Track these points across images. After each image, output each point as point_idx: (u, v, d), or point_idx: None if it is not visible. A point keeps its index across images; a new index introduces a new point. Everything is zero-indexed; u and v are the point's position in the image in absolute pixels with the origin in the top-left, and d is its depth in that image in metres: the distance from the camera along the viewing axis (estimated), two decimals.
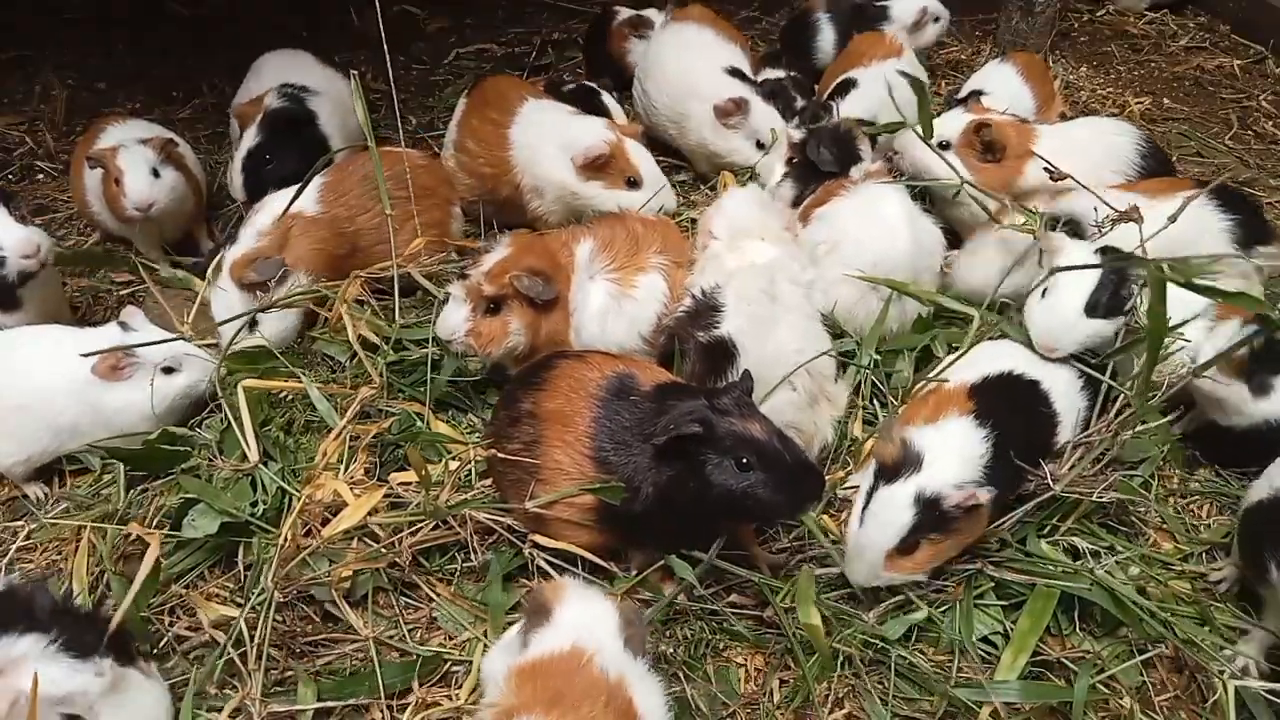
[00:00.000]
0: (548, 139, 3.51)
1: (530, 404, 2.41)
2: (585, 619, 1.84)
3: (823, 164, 3.38)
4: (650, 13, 4.65)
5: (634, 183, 3.45)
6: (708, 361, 2.58)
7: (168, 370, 2.72)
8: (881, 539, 2.27)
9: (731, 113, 3.76)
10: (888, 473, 2.30)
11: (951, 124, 3.43)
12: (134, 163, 3.33)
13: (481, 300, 2.75)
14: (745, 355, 2.55)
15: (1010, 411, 2.44)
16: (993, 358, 2.63)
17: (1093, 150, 3.42)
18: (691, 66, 3.94)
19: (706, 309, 2.66)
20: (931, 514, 2.24)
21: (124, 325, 2.73)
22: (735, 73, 3.92)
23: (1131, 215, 2.77)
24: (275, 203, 3.18)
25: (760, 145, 3.81)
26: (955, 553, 2.36)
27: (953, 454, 2.31)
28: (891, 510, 2.26)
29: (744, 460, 2.15)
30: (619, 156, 3.42)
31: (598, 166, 3.41)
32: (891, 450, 2.31)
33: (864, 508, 2.33)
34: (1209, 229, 3.06)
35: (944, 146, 3.35)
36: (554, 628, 1.82)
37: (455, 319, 2.77)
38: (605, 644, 1.79)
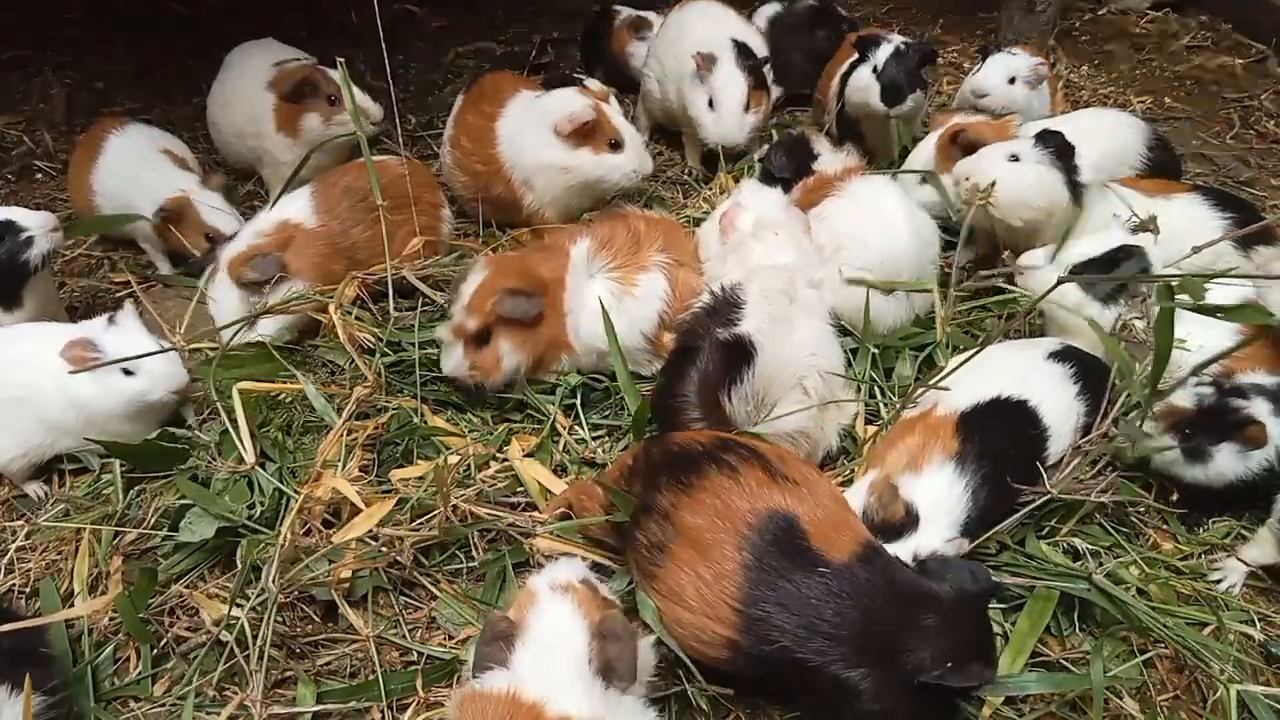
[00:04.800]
0: (527, 123, 3.50)
1: (668, 503, 2.09)
2: (537, 651, 1.68)
3: (776, 170, 3.49)
4: (650, 15, 4.66)
5: (616, 144, 3.44)
6: (724, 359, 2.55)
7: (127, 372, 2.68)
8: None
9: (700, 65, 3.81)
10: (889, 533, 2.27)
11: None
12: (222, 217, 3.45)
13: (469, 337, 2.76)
14: (762, 354, 2.53)
15: (998, 442, 2.43)
16: (980, 384, 2.57)
17: (1101, 143, 3.45)
18: (709, 32, 3.99)
19: (726, 305, 2.64)
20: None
21: (111, 319, 2.72)
22: (740, 45, 3.90)
23: (1149, 225, 2.78)
24: (279, 207, 3.22)
25: (711, 105, 3.82)
26: None
27: (942, 508, 2.32)
28: None
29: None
30: (602, 119, 3.42)
31: (584, 133, 3.40)
32: (898, 512, 2.29)
33: None
34: (1205, 230, 3.07)
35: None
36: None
37: (453, 361, 2.82)
38: (563, 682, 1.63)
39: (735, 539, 1.98)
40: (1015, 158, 3.16)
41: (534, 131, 3.46)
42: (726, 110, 3.76)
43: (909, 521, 2.28)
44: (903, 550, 2.22)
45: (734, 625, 1.95)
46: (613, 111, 3.47)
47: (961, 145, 3.38)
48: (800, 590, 1.91)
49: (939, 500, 2.33)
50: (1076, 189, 3.12)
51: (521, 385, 2.93)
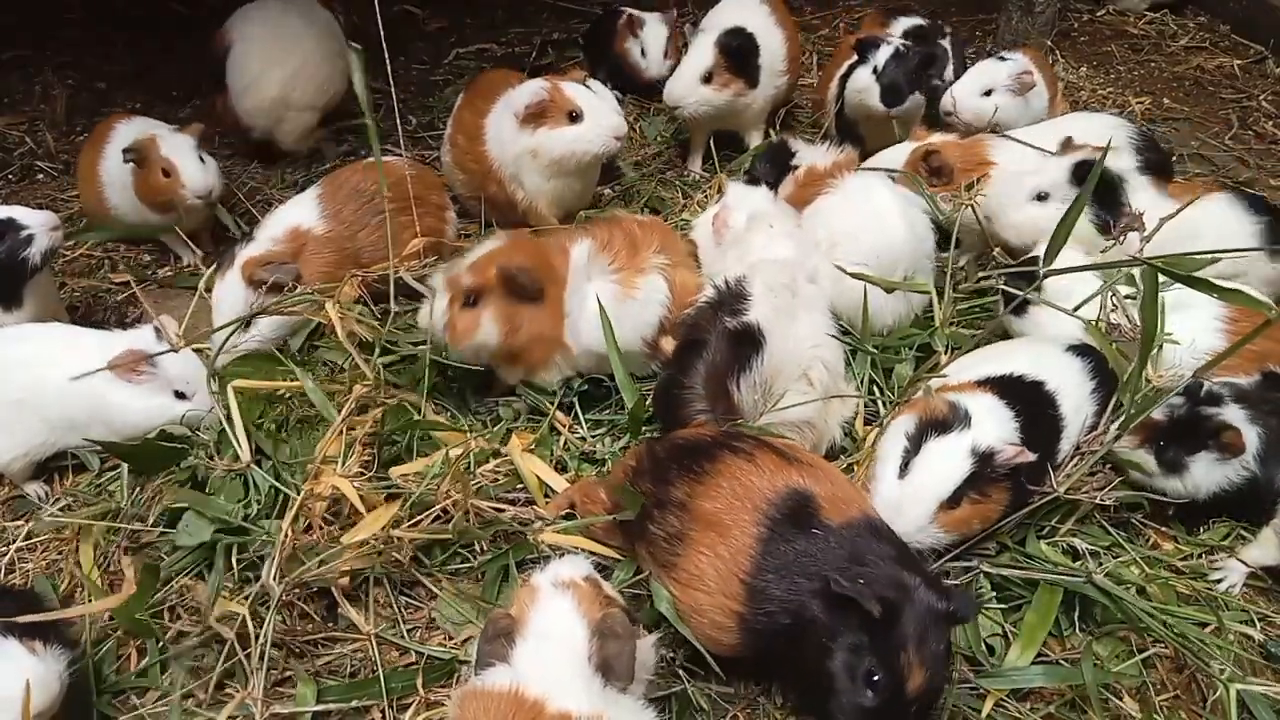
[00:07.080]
0: (504, 118, 3.53)
1: (683, 494, 2.13)
2: (538, 648, 1.67)
3: (760, 175, 3.54)
4: (647, 15, 4.67)
5: (575, 116, 3.44)
6: (732, 349, 2.55)
7: (179, 394, 2.70)
8: (935, 488, 2.27)
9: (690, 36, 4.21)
10: (939, 426, 2.32)
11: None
12: (181, 151, 3.35)
13: (460, 292, 2.73)
14: (769, 344, 2.55)
15: (1023, 405, 2.46)
16: (994, 361, 2.63)
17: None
18: (728, 17, 4.18)
19: (732, 297, 2.66)
20: (983, 468, 2.27)
21: (158, 332, 2.70)
22: (734, 30, 3.99)
23: (1133, 225, 2.78)
24: (287, 210, 3.25)
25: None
26: (982, 526, 2.36)
27: (994, 419, 2.36)
28: (948, 459, 2.28)
29: (874, 678, 1.81)
30: (556, 97, 3.44)
31: (541, 113, 3.44)
32: (941, 407, 2.33)
33: (903, 461, 2.34)
34: (1238, 232, 3.06)
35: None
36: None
37: (435, 311, 2.76)
38: (563, 680, 1.62)
39: (754, 515, 2.02)
40: (1043, 196, 3.08)
41: (508, 125, 3.51)
42: (682, 70, 4.00)
43: (956, 417, 2.32)
44: (959, 443, 2.28)
45: (740, 599, 1.97)
46: (569, 86, 3.47)
47: (931, 166, 3.38)
48: (797, 545, 1.96)
49: (990, 410, 2.37)
50: (1107, 228, 3.00)
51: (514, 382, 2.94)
